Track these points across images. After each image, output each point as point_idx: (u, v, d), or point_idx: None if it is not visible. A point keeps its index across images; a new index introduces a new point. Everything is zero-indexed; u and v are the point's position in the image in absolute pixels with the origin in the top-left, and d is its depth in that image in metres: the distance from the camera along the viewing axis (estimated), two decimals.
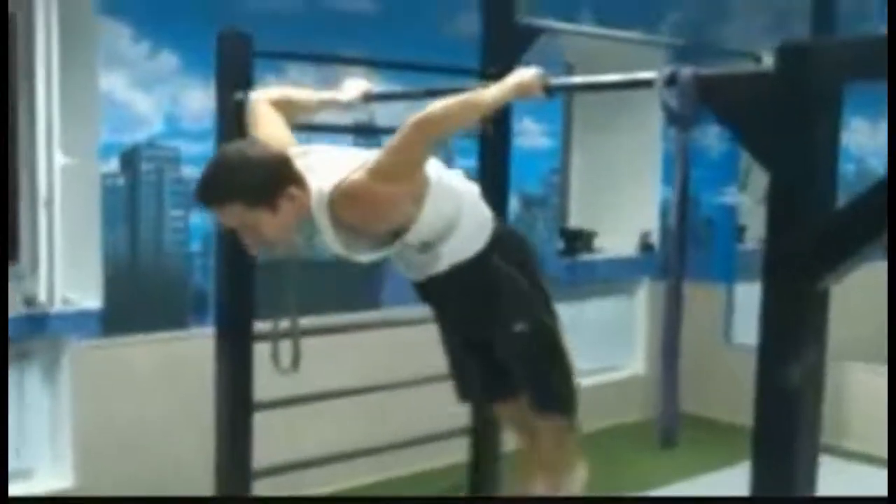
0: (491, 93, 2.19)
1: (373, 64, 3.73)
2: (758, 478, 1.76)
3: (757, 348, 1.75)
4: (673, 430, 2.00)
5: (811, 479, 1.78)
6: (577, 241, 5.39)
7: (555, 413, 2.41)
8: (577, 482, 2.52)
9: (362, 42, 4.06)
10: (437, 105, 2.07)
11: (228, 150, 2.17)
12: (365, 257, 2.24)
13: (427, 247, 2.27)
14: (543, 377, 2.38)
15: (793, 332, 1.72)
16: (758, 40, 5.25)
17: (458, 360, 2.59)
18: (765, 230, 1.74)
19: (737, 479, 1.97)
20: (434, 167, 2.23)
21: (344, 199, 2.07)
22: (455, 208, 2.25)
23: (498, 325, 2.33)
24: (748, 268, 5.21)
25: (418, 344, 3.63)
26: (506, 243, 2.36)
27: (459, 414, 3.40)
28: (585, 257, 5.46)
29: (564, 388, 2.39)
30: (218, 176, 2.07)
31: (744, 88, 1.80)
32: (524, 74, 2.21)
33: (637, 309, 5.78)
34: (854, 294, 4.99)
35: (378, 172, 2.05)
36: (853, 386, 5.03)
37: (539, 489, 2.49)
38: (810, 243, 1.68)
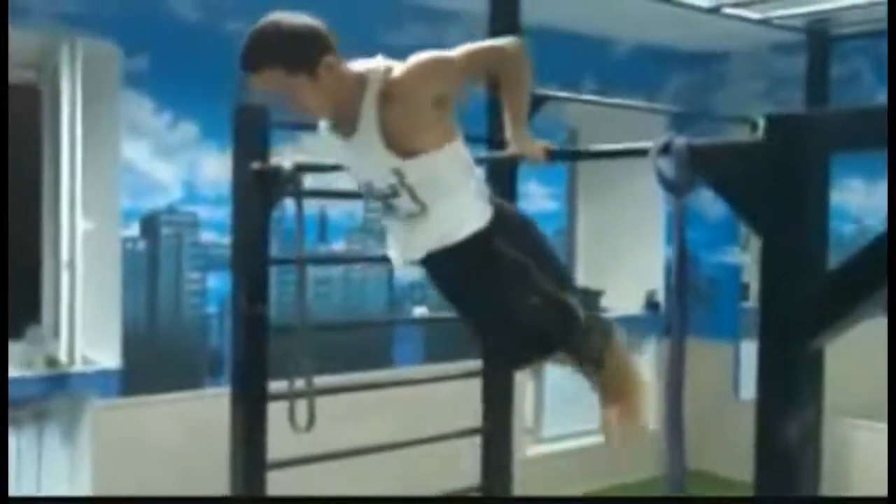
0: (523, 121, 2.33)
1: None
2: None
3: (755, 407, 1.83)
4: (680, 484, 2.07)
5: None
6: (584, 299, 5.48)
7: (596, 363, 2.40)
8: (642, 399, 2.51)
9: None
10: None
11: (269, 18, 2.18)
12: (376, 173, 2.25)
13: (420, 211, 2.25)
14: (570, 342, 2.36)
15: (789, 391, 1.80)
16: (754, 105, 5.43)
17: (486, 341, 2.64)
18: (759, 293, 1.83)
19: None
20: (461, 141, 2.28)
21: (403, 66, 2.15)
22: (460, 178, 2.26)
23: (508, 306, 2.31)
24: (753, 325, 5.30)
25: (431, 402, 3.75)
26: (509, 225, 2.33)
27: (470, 472, 3.48)
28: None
29: (593, 341, 2.38)
30: (259, 42, 2.11)
31: (734, 157, 1.91)
32: (534, 144, 2.33)
33: (644, 367, 5.84)
34: (854, 352, 5.08)
35: (442, 52, 2.17)
36: (854, 442, 5.06)
37: (615, 413, 2.46)
38: (803, 305, 1.77)
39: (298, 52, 2.11)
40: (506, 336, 2.46)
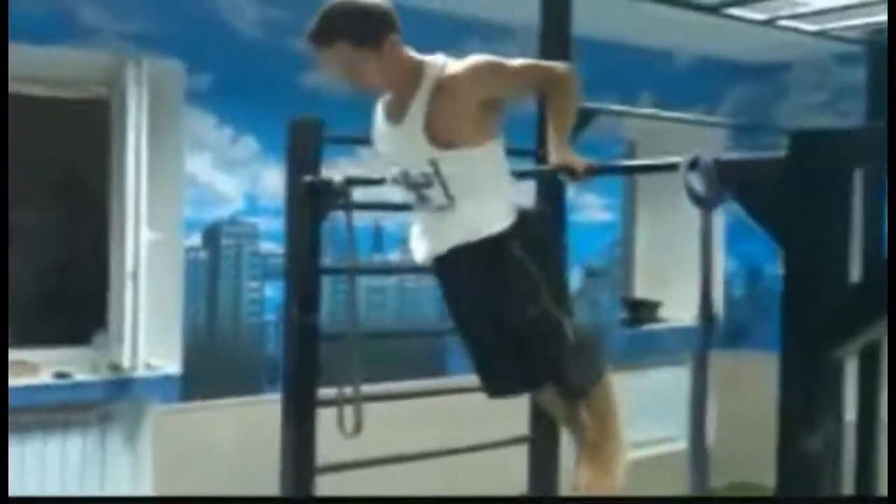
0: (565, 138, 2.37)
1: None
2: None
3: (777, 417, 1.86)
4: (704, 479, 2.10)
5: None
6: (641, 310, 5.49)
7: (582, 391, 2.42)
8: (622, 453, 2.51)
9: None
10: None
11: None
12: (413, 161, 2.32)
13: (448, 203, 2.31)
14: (557, 366, 2.37)
15: (810, 402, 1.82)
16: (816, 117, 5.38)
17: (478, 356, 2.56)
18: (781, 304, 1.86)
19: None
20: (502, 145, 2.36)
21: (464, 63, 2.25)
22: (492, 178, 2.33)
23: (505, 311, 2.34)
24: None
25: (483, 410, 3.79)
26: (530, 231, 2.37)
27: (517, 482, 3.52)
28: (649, 327, 5.54)
29: (583, 365, 2.40)
30: (330, 17, 2.25)
31: (760, 172, 1.94)
32: (577, 160, 2.37)
33: None
34: None
35: (501, 59, 2.27)
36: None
37: (592, 464, 2.47)
38: (823, 318, 1.79)
39: (366, 27, 2.24)
40: (497, 356, 2.45)
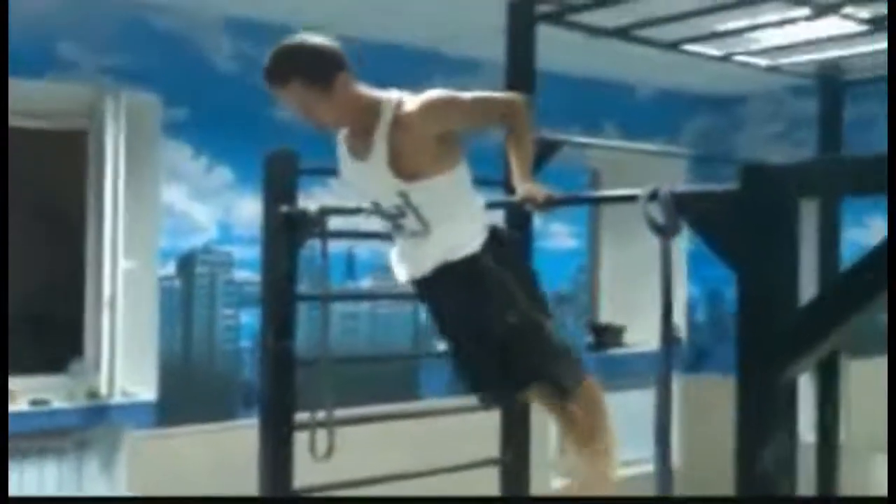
0: (527, 171, 2.51)
1: None
2: None
3: (735, 435, 1.98)
4: (668, 494, 2.22)
5: None
6: (606, 335, 5.63)
7: (566, 392, 2.53)
8: (613, 445, 2.65)
9: None
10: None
11: (290, 40, 2.41)
12: (384, 195, 2.43)
13: (423, 229, 2.43)
14: (542, 367, 2.49)
15: (764, 422, 1.95)
16: (772, 147, 5.58)
17: (463, 364, 2.66)
18: (736, 327, 1.99)
19: None
20: (465, 167, 2.46)
21: (417, 100, 2.34)
22: (460, 201, 2.45)
23: (487, 321, 2.45)
24: None
25: (455, 434, 3.89)
26: (501, 247, 2.51)
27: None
28: (615, 351, 5.68)
29: (565, 367, 2.52)
30: (281, 57, 2.35)
31: (714, 203, 2.08)
32: (538, 191, 2.50)
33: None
34: (875, 387, 5.15)
35: (454, 93, 2.37)
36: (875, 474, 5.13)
37: (582, 457, 2.62)
38: (776, 339, 1.93)
39: (316, 67, 2.34)
40: (484, 364, 2.56)
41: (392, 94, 2.41)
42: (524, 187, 2.50)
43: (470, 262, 2.45)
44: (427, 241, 2.47)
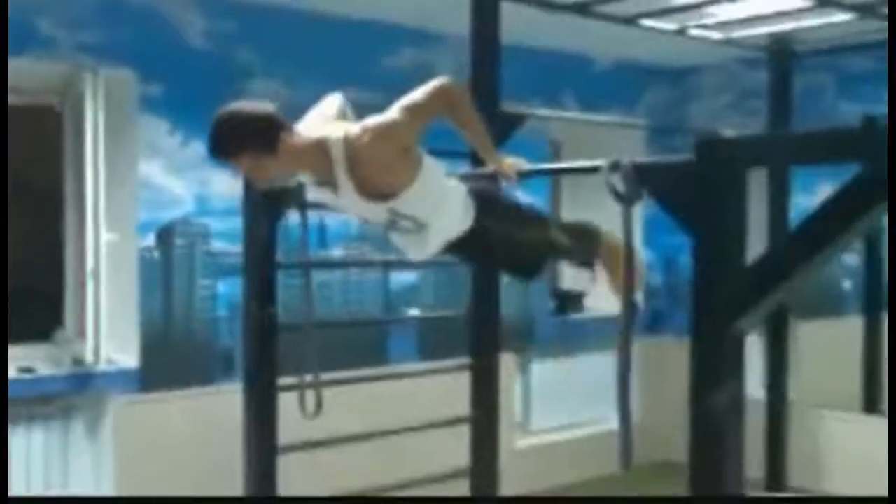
0: (491, 146, 2.67)
1: None
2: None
3: (688, 385, 2.20)
4: (629, 455, 2.43)
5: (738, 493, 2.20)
6: (568, 301, 5.85)
7: (585, 262, 2.86)
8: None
9: None
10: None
11: (225, 112, 2.46)
12: (371, 215, 2.58)
13: (420, 226, 2.59)
14: (557, 255, 2.92)
15: (715, 370, 2.17)
16: (725, 117, 5.81)
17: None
18: (691, 286, 2.20)
19: None
20: (428, 157, 2.57)
21: (360, 130, 2.38)
22: (440, 191, 2.58)
23: (506, 252, 2.82)
24: None
25: (425, 397, 4.09)
26: (489, 204, 2.71)
27: (460, 455, 3.85)
28: (576, 317, 5.90)
29: (576, 250, 2.83)
30: (221, 136, 2.42)
31: (671, 173, 2.28)
32: (507, 159, 2.69)
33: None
34: (827, 346, 5.43)
35: (399, 106, 2.40)
36: (826, 432, 5.40)
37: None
38: (724, 295, 2.14)
39: (258, 137, 2.39)
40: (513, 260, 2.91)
41: (332, 132, 2.45)
42: (495, 164, 2.68)
43: (471, 232, 2.66)
44: (426, 233, 2.61)
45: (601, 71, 5.94)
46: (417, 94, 2.43)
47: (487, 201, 2.71)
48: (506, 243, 2.78)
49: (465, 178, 2.80)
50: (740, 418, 2.23)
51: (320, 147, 2.44)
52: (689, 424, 2.19)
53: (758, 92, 5.46)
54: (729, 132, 4.76)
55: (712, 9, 4.41)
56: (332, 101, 2.71)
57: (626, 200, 2.35)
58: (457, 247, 2.74)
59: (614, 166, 2.35)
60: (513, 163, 2.72)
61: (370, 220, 2.67)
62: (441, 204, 2.59)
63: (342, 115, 2.66)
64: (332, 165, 2.44)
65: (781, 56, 5.06)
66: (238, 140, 2.40)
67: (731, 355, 2.19)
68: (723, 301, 2.14)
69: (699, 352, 2.19)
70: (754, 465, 5.09)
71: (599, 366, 6.15)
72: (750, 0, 4.25)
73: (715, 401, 2.17)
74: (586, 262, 2.86)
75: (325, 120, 2.60)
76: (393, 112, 2.41)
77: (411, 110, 2.41)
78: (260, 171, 2.47)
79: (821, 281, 5.47)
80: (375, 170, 2.43)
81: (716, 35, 4.81)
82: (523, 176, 2.73)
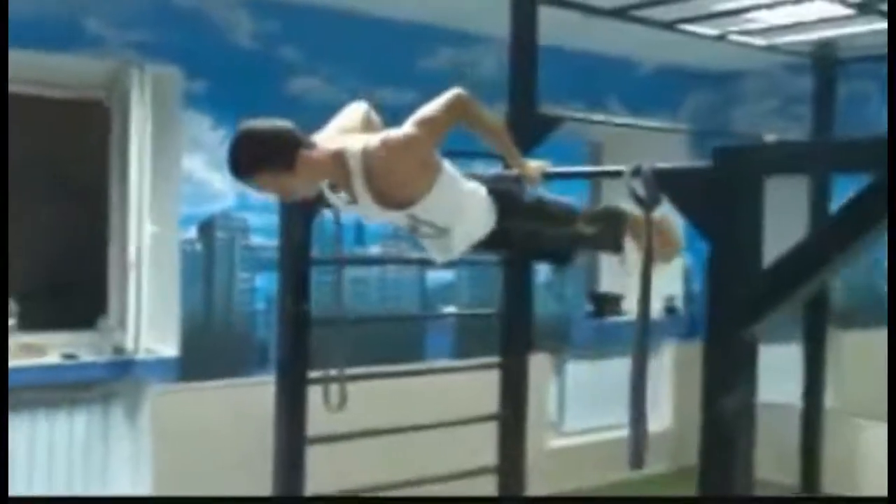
0: (513, 150, 2.68)
1: None
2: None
3: (701, 389, 2.22)
4: (640, 453, 2.46)
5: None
6: (605, 303, 5.85)
7: (612, 246, 2.91)
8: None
9: None
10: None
11: (241, 132, 2.47)
12: (392, 219, 2.59)
13: (442, 232, 2.61)
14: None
15: (727, 374, 2.19)
16: (769, 122, 5.76)
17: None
18: (706, 290, 2.22)
19: None
20: (446, 162, 2.57)
21: (379, 144, 2.38)
22: (459, 196, 2.58)
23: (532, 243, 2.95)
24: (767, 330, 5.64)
25: (458, 394, 4.13)
26: (511, 203, 2.73)
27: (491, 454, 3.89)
28: (612, 319, 5.90)
29: (603, 237, 2.90)
30: (240, 156, 2.42)
31: (690, 179, 2.30)
32: (532, 163, 2.72)
33: (662, 368, 6.19)
34: (877, 357, 5.38)
35: (415, 119, 2.40)
36: (868, 441, 5.33)
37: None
38: (739, 299, 2.16)
39: (276, 155, 2.40)
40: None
41: (351, 145, 2.46)
42: (518, 167, 2.72)
43: (494, 232, 2.70)
44: (449, 238, 2.63)
45: (645, 74, 5.94)
46: (433, 107, 2.44)
47: (510, 201, 2.73)
48: (531, 241, 2.87)
49: (485, 180, 2.83)
50: (751, 423, 2.25)
51: (338, 159, 2.46)
52: (700, 421, 2.21)
53: (803, 98, 5.41)
54: (770, 138, 4.76)
55: (754, 14, 4.39)
56: (355, 111, 2.72)
57: (646, 205, 2.38)
58: (483, 245, 2.77)
59: (635, 171, 2.38)
60: (537, 166, 2.74)
61: (390, 224, 2.73)
62: (461, 209, 2.60)
63: (366, 124, 2.67)
64: (350, 177, 2.46)
65: (825, 63, 5.01)
66: (256, 159, 2.42)
67: (743, 359, 2.21)
68: (737, 306, 2.16)
69: (712, 355, 2.21)
70: (791, 471, 5.07)
71: None
72: (793, 6, 4.23)
73: (726, 405, 2.19)
74: (615, 247, 2.89)
75: (346, 131, 2.62)
76: (410, 127, 2.42)
77: (428, 124, 2.42)
78: (280, 188, 2.50)
79: (863, 292, 5.42)
80: (394, 182, 2.45)
81: (758, 41, 4.78)
82: (547, 178, 2.76)
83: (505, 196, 2.74)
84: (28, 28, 3.81)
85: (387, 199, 2.48)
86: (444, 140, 2.50)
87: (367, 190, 2.46)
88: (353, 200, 2.52)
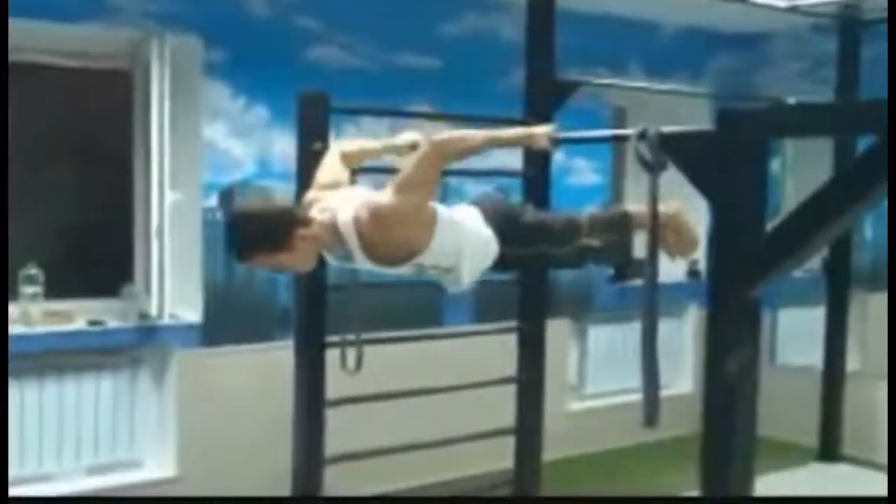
0: (507, 133, 2.69)
1: (434, 117, 4.27)
2: (705, 465, 2.22)
3: (705, 347, 2.24)
4: (654, 412, 2.48)
5: (749, 459, 2.23)
6: (627, 268, 5.84)
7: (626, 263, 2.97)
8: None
9: (429, 95, 4.67)
10: (456, 131, 2.49)
11: (237, 216, 2.54)
12: (396, 271, 2.58)
13: (448, 271, 2.63)
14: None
15: (731, 332, 2.21)
16: (796, 85, 5.68)
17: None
18: (709, 251, 2.24)
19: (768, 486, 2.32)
20: (440, 207, 2.59)
21: (368, 216, 2.38)
22: (459, 238, 2.58)
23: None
24: (791, 294, 5.63)
25: (478, 359, 4.17)
26: (510, 228, 2.69)
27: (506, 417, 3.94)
28: (635, 283, 5.90)
29: (612, 252, 2.86)
30: (238, 239, 2.47)
31: (695, 142, 2.31)
32: (538, 129, 2.72)
33: (685, 331, 6.20)
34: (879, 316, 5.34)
35: (397, 185, 2.38)
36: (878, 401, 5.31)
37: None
38: (742, 260, 2.17)
39: (274, 237, 2.43)
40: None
41: (342, 215, 2.44)
42: (528, 141, 2.73)
43: (501, 256, 2.68)
44: (457, 274, 2.63)
45: (667, 37, 5.89)
46: (409, 169, 2.39)
47: (509, 226, 2.68)
48: (537, 263, 2.95)
49: (480, 204, 2.75)
50: (754, 386, 2.26)
51: (333, 231, 2.47)
52: (703, 379, 2.23)
53: (830, 60, 5.32)
54: (791, 101, 4.71)
55: None
56: (332, 159, 2.79)
57: (652, 168, 2.39)
58: (493, 269, 2.76)
59: (641, 135, 2.39)
60: (544, 131, 2.70)
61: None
62: (463, 247, 2.58)
63: (344, 167, 2.79)
64: (347, 245, 2.47)
65: (849, 24, 4.94)
66: (254, 243, 2.45)
67: (746, 318, 2.22)
68: (739, 268, 2.17)
69: (716, 314, 2.22)
70: (811, 433, 5.07)
71: (660, 333, 6.15)
72: None
73: (730, 366, 2.21)
74: (624, 257, 2.87)
75: (329, 186, 2.67)
76: (394, 195, 2.37)
77: (409, 188, 2.38)
78: (279, 266, 2.56)
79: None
80: (393, 246, 2.47)
81: (781, 2, 4.73)
82: (556, 143, 2.76)
83: (503, 221, 2.69)
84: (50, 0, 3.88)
85: (388, 260, 2.51)
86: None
87: (367, 257, 2.49)
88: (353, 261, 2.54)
